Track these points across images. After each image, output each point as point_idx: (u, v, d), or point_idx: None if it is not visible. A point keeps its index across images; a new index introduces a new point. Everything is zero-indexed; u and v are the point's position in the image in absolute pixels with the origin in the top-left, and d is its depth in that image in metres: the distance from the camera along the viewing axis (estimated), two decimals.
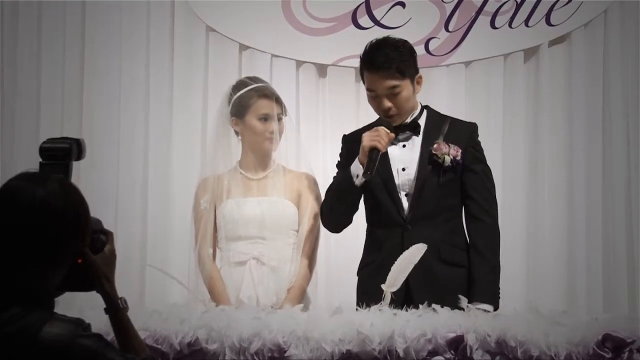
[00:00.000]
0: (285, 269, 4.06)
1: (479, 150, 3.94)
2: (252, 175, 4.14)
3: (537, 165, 5.54)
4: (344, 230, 5.07)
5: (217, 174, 4.16)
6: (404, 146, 3.92)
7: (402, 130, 3.91)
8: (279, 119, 4.11)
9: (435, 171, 3.85)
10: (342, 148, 4.08)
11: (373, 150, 3.77)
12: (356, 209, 4.00)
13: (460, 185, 3.90)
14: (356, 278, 4.02)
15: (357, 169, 3.83)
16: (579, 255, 5.49)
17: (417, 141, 3.91)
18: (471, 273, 3.84)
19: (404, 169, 3.89)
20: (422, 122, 3.94)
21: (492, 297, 3.80)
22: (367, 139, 3.80)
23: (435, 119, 3.96)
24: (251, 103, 4.09)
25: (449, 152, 3.83)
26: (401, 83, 3.85)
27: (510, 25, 5.54)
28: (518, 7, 5.53)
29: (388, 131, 3.81)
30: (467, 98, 5.55)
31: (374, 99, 3.90)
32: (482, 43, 5.56)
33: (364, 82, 3.96)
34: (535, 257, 5.50)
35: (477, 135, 3.98)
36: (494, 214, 3.91)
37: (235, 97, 4.12)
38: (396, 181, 3.88)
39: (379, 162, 3.81)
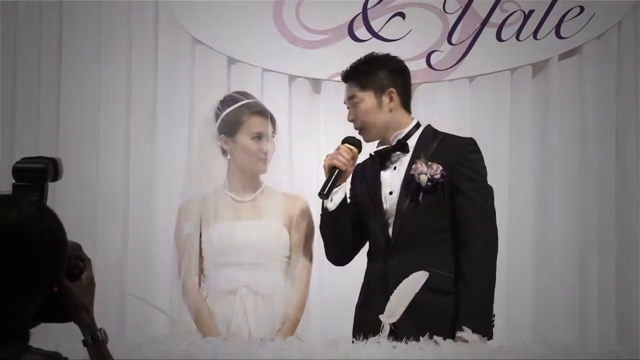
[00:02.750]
0: (279, 298, 4.03)
1: (471, 167, 3.88)
2: (240, 197, 4.11)
3: (547, 187, 5.55)
4: None
5: (202, 196, 4.12)
6: (394, 168, 3.93)
7: (392, 151, 3.94)
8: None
9: (415, 193, 3.84)
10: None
11: (332, 169, 3.88)
12: (351, 237, 4.00)
13: (450, 206, 3.87)
14: (351, 308, 4.03)
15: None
16: (591, 283, 5.50)
17: (405, 162, 3.92)
18: (457, 300, 3.77)
19: (390, 193, 3.90)
20: (413, 141, 3.95)
21: (479, 324, 3.72)
22: (327, 158, 3.93)
23: (428, 136, 3.96)
24: (243, 120, 4.06)
25: (427, 172, 3.83)
26: (359, 94, 3.95)
27: (517, 38, 5.56)
28: (526, 18, 5.55)
29: (351, 147, 3.92)
30: (472, 115, 5.56)
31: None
32: (488, 57, 5.58)
33: None
34: (544, 284, 5.50)
35: (471, 151, 3.92)
36: (481, 233, 3.81)
37: (224, 113, 4.08)
38: (384, 206, 3.90)
39: (370, 187, 3.88)
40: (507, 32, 5.56)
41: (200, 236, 4.08)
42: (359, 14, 5.57)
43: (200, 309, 4.01)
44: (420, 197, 3.82)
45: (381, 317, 3.58)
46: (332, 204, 3.93)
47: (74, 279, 2.36)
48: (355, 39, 5.57)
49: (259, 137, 4.06)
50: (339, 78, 5.49)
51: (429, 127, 4.00)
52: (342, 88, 5.51)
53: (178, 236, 4.12)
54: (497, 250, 3.85)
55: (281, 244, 4.07)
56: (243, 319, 3.99)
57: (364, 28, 5.57)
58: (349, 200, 4.01)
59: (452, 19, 5.56)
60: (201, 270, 4.10)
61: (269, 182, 4.15)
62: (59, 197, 5.22)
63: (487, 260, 3.82)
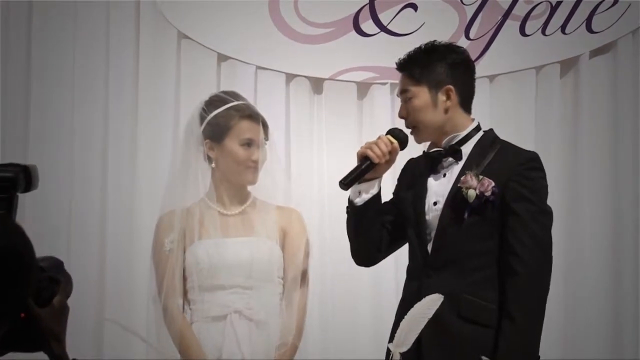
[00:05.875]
0: (274, 323, 4.01)
1: (528, 186, 3.80)
2: (226, 210, 4.09)
3: (577, 196, 5.55)
4: (341, 271, 5.06)
5: (185, 207, 4.09)
6: (444, 175, 3.90)
7: (444, 155, 3.90)
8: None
9: (461, 208, 3.80)
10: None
11: (364, 158, 3.84)
12: (378, 238, 3.98)
13: (500, 227, 3.80)
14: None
15: (357, 185, 3.88)
16: (625, 299, 5.52)
17: (455, 170, 3.87)
18: (496, 335, 3.74)
19: (435, 204, 3.86)
20: (468, 147, 3.90)
21: None
22: (364, 145, 3.88)
23: (486, 144, 3.91)
24: (232, 125, 4.03)
25: (476, 186, 3.78)
26: (412, 88, 3.87)
27: (543, 32, 5.56)
28: (553, 10, 5.55)
29: (392, 140, 3.86)
30: (492, 118, 5.53)
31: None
32: (510, 53, 5.58)
33: None
34: (574, 302, 5.51)
35: (532, 168, 3.84)
36: (534, 264, 3.76)
37: (210, 115, 4.06)
38: (426, 217, 3.87)
39: (415, 192, 3.86)
40: (532, 25, 5.57)
41: (184, 253, 4.06)
42: (365, 6, 5.57)
43: (186, 337, 3.99)
44: (466, 215, 3.78)
45: (390, 345, 3.56)
46: (360, 198, 3.88)
47: (45, 304, 2.35)
48: (361, 33, 5.57)
49: (249, 143, 4.03)
50: (343, 77, 5.55)
51: (490, 133, 3.97)
52: (344, 88, 5.58)
53: (157, 252, 4.07)
54: (549, 285, 3.79)
55: (275, 263, 4.05)
56: (235, 348, 3.97)
57: (371, 21, 5.58)
58: (388, 199, 4.00)
59: (470, 11, 5.56)
60: (185, 293, 4.07)
61: (261, 194, 4.12)
62: (28, 211, 5.20)
63: (532, 292, 3.76)
